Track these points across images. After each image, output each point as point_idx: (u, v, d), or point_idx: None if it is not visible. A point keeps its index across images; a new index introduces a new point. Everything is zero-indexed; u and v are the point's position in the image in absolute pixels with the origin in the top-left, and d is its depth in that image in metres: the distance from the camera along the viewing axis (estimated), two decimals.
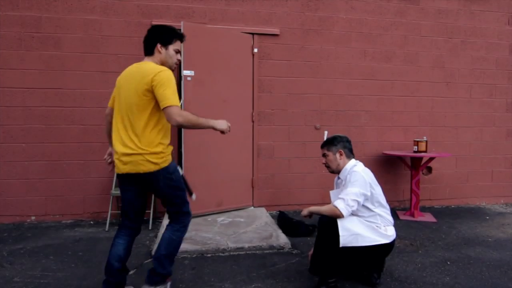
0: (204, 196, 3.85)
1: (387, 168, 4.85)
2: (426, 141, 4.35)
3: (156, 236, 3.60)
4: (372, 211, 2.51)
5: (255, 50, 4.45)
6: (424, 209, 4.75)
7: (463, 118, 5.06)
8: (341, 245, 2.37)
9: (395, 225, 4.03)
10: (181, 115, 2.01)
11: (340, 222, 2.39)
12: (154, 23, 4.18)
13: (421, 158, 4.35)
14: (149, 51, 2.27)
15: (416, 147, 4.35)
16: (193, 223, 3.82)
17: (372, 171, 2.64)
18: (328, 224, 2.41)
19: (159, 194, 2.25)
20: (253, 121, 4.48)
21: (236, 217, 4.11)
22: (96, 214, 4.19)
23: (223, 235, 3.49)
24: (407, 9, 4.84)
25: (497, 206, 5.06)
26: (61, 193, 4.12)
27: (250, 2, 4.44)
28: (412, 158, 4.40)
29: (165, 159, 2.16)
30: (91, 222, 4.13)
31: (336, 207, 2.38)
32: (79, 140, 4.13)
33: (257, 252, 3.22)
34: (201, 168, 4.01)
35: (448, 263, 3.05)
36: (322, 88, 4.65)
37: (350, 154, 2.66)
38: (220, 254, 3.16)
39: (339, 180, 2.68)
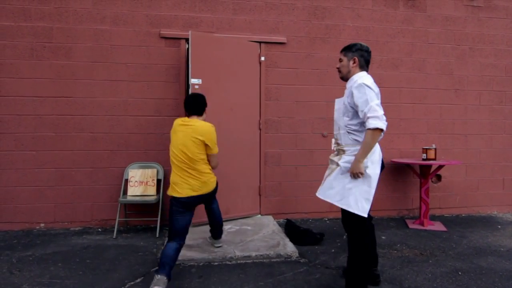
0: None
1: (395, 176, 4.80)
2: (435, 149, 4.31)
3: (163, 244, 3.60)
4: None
5: (262, 58, 4.48)
6: (434, 218, 4.68)
7: (472, 126, 5.00)
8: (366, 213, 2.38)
9: (404, 234, 4.00)
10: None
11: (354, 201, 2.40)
12: (163, 32, 4.24)
13: (430, 166, 4.30)
14: (200, 113, 3.02)
15: (425, 154, 4.30)
16: (200, 231, 3.82)
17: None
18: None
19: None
20: (260, 129, 4.49)
21: (243, 225, 4.09)
22: (104, 221, 4.21)
23: (230, 243, 3.48)
24: (414, 16, 4.84)
25: (509, 215, 4.96)
26: (70, 201, 4.16)
27: (257, 11, 4.49)
28: (421, 166, 4.35)
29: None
30: (99, 229, 4.15)
31: (373, 130, 2.31)
32: (88, 148, 4.18)
33: (265, 260, 3.19)
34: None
35: (460, 273, 2.99)
36: (329, 96, 4.65)
37: (364, 65, 2.57)
38: (227, 262, 3.15)
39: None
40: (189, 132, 2.81)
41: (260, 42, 4.46)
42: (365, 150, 2.36)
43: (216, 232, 3.38)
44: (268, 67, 4.51)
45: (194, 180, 2.79)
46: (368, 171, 2.41)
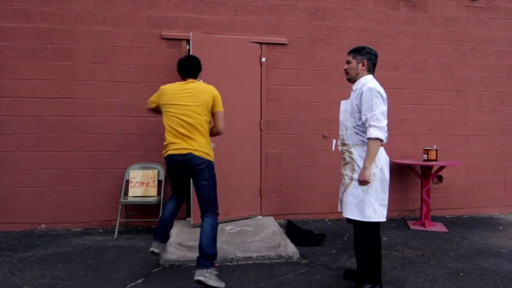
0: None
1: (396, 177, 4.80)
2: (436, 150, 4.30)
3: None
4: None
5: (263, 59, 4.48)
6: (435, 219, 4.67)
7: (473, 126, 5.00)
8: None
9: (405, 235, 3.99)
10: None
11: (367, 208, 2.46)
12: (164, 33, 4.25)
13: (431, 167, 4.30)
14: (195, 75, 2.92)
15: (426, 155, 4.30)
16: None
17: None
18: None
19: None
20: (261, 130, 4.49)
21: (244, 226, 4.09)
22: (105, 222, 4.21)
23: (231, 244, 3.47)
24: (415, 17, 4.84)
25: (511, 216, 4.95)
26: (71, 201, 4.17)
27: (258, 12, 4.49)
28: (422, 167, 4.35)
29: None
30: (100, 230, 4.15)
31: (374, 139, 2.39)
32: (89, 148, 4.19)
33: (265, 261, 3.19)
34: None
35: (461, 274, 2.98)
36: (330, 97, 4.65)
37: (372, 69, 2.64)
38: (228, 263, 3.15)
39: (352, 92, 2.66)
40: (195, 92, 2.73)
41: (261, 43, 4.46)
42: (371, 157, 2.42)
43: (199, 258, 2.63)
44: (269, 68, 4.51)
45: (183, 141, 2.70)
46: (381, 177, 2.48)
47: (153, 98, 2.96)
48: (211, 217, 2.71)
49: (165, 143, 2.79)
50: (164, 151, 2.81)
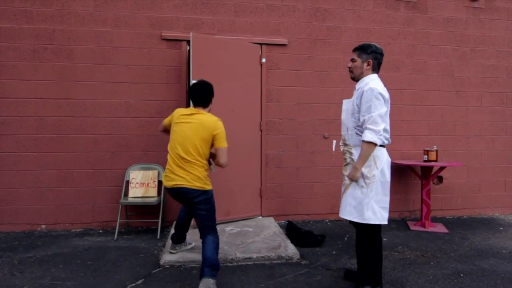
0: None
1: (397, 177, 4.79)
2: (436, 150, 4.30)
3: (164, 246, 3.60)
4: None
5: (263, 60, 4.48)
6: (435, 220, 4.67)
7: (474, 127, 5.00)
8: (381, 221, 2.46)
9: (406, 236, 3.98)
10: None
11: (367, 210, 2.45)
12: (164, 34, 4.25)
13: (431, 168, 4.30)
14: (206, 104, 2.80)
15: (426, 156, 4.30)
16: None
17: None
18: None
19: None
20: (261, 130, 4.49)
21: (244, 226, 4.09)
22: (105, 223, 4.21)
23: (231, 245, 3.47)
24: (415, 18, 4.84)
25: (511, 217, 4.94)
26: (71, 202, 4.17)
27: (258, 13, 4.50)
28: (423, 168, 4.34)
29: None
30: (100, 231, 4.15)
31: (368, 142, 2.36)
32: (89, 149, 4.19)
33: (266, 262, 3.19)
34: (209, 177, 4.01)
35: (461, 275, 2.98)
36: (330, 97, 4.65)
37: (376, 68, 2.58)
38: (228, 264, 3.14)
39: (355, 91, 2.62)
40: (195, 126, 2.62)
41: (261, 44, 4.46)
42: (363, 160, 2.41)
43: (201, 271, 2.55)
44: (269, 69, 4.51)
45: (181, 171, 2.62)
46: (381, 179, 2.46)
47: (166, 119, 2.92)
48: (212, 234, 2.67)
49: (166, 167, 2.76)
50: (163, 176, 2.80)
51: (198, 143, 2.62)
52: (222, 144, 2.67)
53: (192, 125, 2.64)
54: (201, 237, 2.69)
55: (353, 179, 2.46)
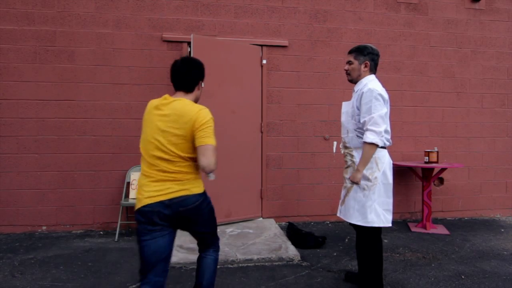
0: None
1: (397, 179, 4.79)
2: (437, 152, 4.29)
3: None
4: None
5: (264, 61, 4.49)
6: (436, 221, 4.66)
7: (475, 128, 4.99)
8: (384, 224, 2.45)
9: (407, 238, 3.98)
10: None
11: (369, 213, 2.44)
12: (165, 36, 4.26)
13: (432, 169, 4.29)
14: (189, 88, 2.04)
15: (427, 157, 4.29)
16: None
17: None
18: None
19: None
20: (262, 132, 4.49)
21: (245, 228, 4.09)
22: (106, 224, 4.21)
23: (232, 247, 3.47)
24: (415, 19, 4.85)
25: None
26: (72, 203, 4.17)
27: (259, 15, 4.51)
28: (423, 169, 4.34)
29: None
30: (101, 232, 4.15)
31: (369, 144, 2.34)
32: (90, 151, 4.19)
33: (266, 264, 3.18)
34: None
35: (463, 277, 2.97)
36: (331, 99, 4.65)
37: (374, 69, 2.57)
38: (229, 265, 3.14)
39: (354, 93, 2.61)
40: (172, 118, 1.89)
41: (262, 45, 4.47)
42: (365, 161, 2.40)
43: None
44: (270, 70, 4.52)
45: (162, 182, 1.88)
46: (384, 181, 2.46)
47: None
48: (213, 248, 2.24)
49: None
50: None
51: (175, 140, 1.88)
52: (207, 140, 1.86)
53: (167, 117, 1.90)
54: (200, 251, 2.21)
55: (354, 182, 2.45)
